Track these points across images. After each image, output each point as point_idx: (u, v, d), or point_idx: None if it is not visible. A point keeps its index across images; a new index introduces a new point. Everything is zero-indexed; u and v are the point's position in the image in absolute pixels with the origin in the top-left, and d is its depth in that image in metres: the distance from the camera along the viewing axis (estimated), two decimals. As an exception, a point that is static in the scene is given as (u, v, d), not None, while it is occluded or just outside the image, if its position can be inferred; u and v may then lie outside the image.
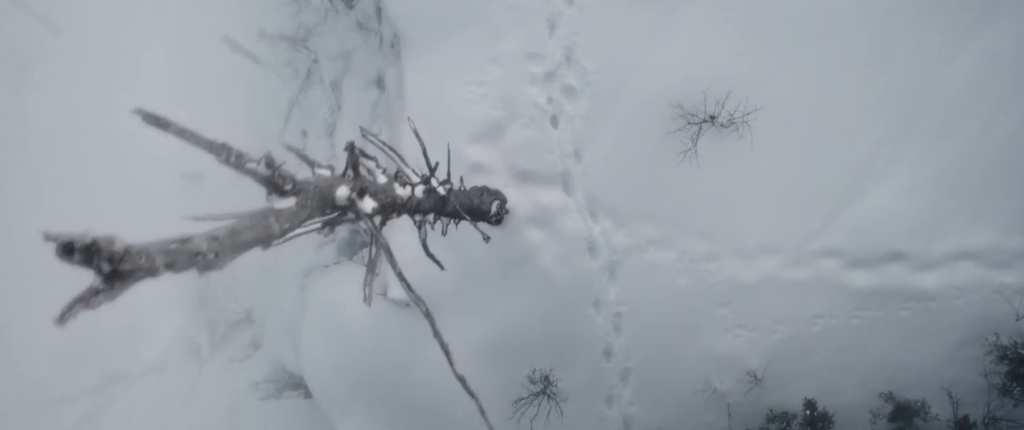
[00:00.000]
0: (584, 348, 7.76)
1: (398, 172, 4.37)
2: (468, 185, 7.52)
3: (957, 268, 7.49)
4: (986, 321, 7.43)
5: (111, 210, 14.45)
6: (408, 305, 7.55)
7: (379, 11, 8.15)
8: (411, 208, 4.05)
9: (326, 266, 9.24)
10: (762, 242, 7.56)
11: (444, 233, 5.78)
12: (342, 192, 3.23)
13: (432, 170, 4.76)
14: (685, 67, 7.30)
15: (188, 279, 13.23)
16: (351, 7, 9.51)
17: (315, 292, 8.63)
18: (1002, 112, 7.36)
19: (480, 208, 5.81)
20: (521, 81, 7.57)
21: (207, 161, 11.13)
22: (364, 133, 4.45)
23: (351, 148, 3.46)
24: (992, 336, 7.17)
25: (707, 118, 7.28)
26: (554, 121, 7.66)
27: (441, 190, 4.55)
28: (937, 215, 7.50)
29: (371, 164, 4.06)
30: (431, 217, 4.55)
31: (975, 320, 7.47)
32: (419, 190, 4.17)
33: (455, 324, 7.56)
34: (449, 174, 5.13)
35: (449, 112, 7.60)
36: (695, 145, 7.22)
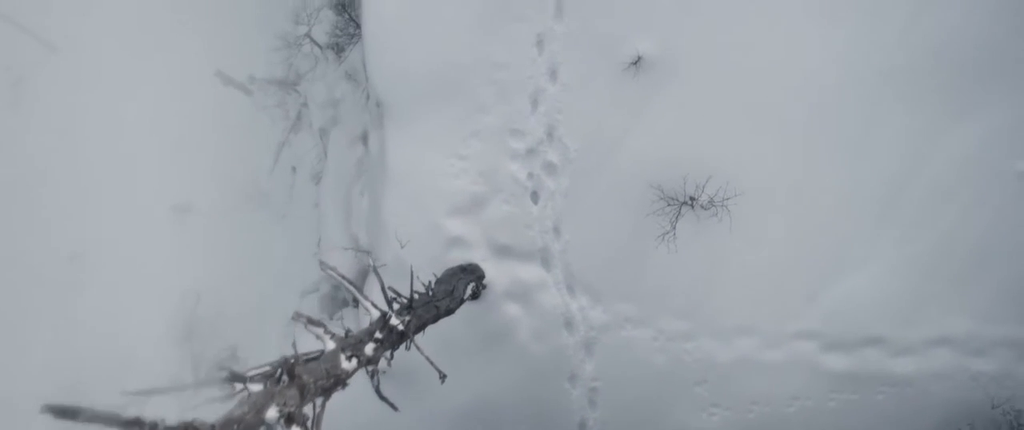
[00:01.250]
0: (560, 421, 7.77)
1: (348, 333, 4.36)
2: (446, 259, 7.53)
3: (934, 354, 7.49)
4: (962, 408, 7.44)
5: (102, 239, 14.46)
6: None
7: (366, 66, 8.14)
8: (362, 362, 4.04)
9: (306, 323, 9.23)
10: (739, 323, 7.56)
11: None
12: (272, 414, 3.20)
13: (391, 306, 4.72)
14: (666, 148, 7.29)
15: (175, 311, 13.16)
16: (341, 58, 9.51)
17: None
18: (982, 201, 7.35)
19: (451, 302, 5.81)
20: (502, 156, 7.57)
21: (198, 191, 11.18)
22: (323, 267, 4.45)
23: (284, 362, 3.41)
24: (966, 427, 7.17)
25: (687, 199, 7.28)
26: (534, 197, 7.65)
27: (400, 325, 4.54)
28: (915, 301, 7.50)
29: (319, 330, 4.05)
30: (385, 360, 4.54)
31: (951, 407, 7.48)
32: (370, 348, 4.16)
33: (431, 395, 7.57)
34: (412, 298, 5.10)
35: (430, 184, 7.60)
36: (674, 228, 7.21)
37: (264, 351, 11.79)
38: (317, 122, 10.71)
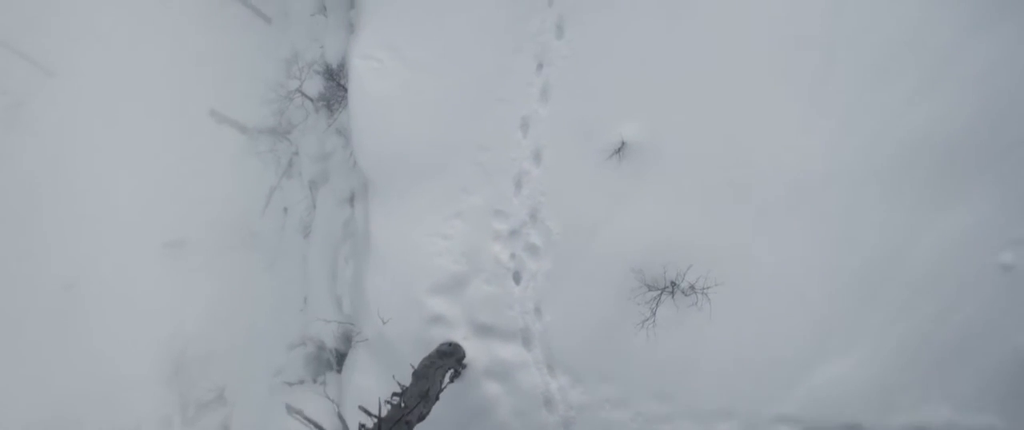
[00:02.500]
0: (538, 498, 7.80)
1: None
2: (428, 336, 7.56)
3: (912, 442, 7.51)
4: (939, 496, 7.46)
5: (94, 271, 14.49)
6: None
7: (352, 142, 8.17)
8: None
9: (290, 384, 9.30)
10: (718, 406, 7.58)
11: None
12: None
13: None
14: (648, 234, 7.32)
15: (164, 349, 13.21)
16: (332, 113, 9.54)
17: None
18: (964, 291, 7.36)
19: (425, 406, 5.83)
20: (485, 237, 7.60)
21: (190, 228, 11.25)
22: (289, 411, 4.48)
23: None
24: (943, 517, 7.19)
25: (668, 285, 7.30)
26: (517, 277, 7.68)
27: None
28: (894, 388, 7.52)
29: None
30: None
31: (928, 494, 7.50)
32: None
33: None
34: (379, 422, 5.09)
35: (412, 262, 7.63)
36: (654, 315, 7.23)
37: (251, 395, 11.86)
38: (307, 173, 10.75)
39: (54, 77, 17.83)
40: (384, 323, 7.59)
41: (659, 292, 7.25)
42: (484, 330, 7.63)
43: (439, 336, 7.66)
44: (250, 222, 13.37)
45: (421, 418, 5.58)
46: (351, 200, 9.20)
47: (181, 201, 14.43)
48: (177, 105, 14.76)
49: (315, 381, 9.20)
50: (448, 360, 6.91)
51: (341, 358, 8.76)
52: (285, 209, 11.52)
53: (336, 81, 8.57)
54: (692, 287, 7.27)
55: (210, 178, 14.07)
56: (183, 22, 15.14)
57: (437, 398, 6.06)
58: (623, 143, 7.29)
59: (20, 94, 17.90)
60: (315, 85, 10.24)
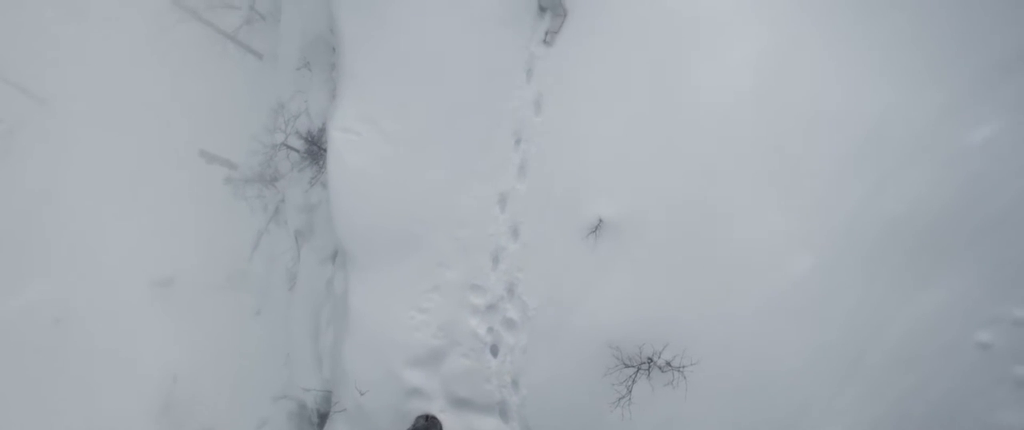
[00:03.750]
0: None
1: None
2: (405, 408, 7.58)
3: (889, 519, 7.50)
4: None
5: (83, 308, 14.54)
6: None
7: (331, 213, 8.18)
8: None
9: (277, 441, 9.31)
10: (694, 482, 7.57)
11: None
12: None
13: None
14: (624, 311, 7.32)
15: (151, 387, 13.23)
16: (318, 167, 9.55)
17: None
18: (940, 369, 7.35)
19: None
20: (463, 311, 7.61)
21: (179, 266, 11.27)
22: None
23: None
24: None
25: (644, 362, 7.31)
26: (494, 350, 7.70)
27: None
28: (871, 464, 7.50)
29: None
30: None
31: None
32: None
33: None
34: None
35: (390, 335, 7.65)
36: (630, 392, 7.24)
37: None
38: (293, 223, 10.76)
39: (47, 106, 17.87)
40: (362, 394, 7.61)
41: (635, 369, 7.26)
42: (461, 403, 7.64)
43: (416, 409, 7.68)
44: (238, 263, 13.42)
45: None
46: (334, 257, 9.21)
47: (170, 239, 14.48)
48: (167, 141, 14.82)
49: (298, 441, 9.22)
50: (422, 438, 6.93)
51: (323, 418, 8.78)
52: (272, 258, 11.52)
53: (317, 145, 8.57)
54: (669, 364, 7.28)
55: (199, 217, 14.12)
56: (175, 58, 15.19)
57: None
58: (600, 221, 7.29)
59: (12, 122, 17.96)
60: (300, 137, 10.23)
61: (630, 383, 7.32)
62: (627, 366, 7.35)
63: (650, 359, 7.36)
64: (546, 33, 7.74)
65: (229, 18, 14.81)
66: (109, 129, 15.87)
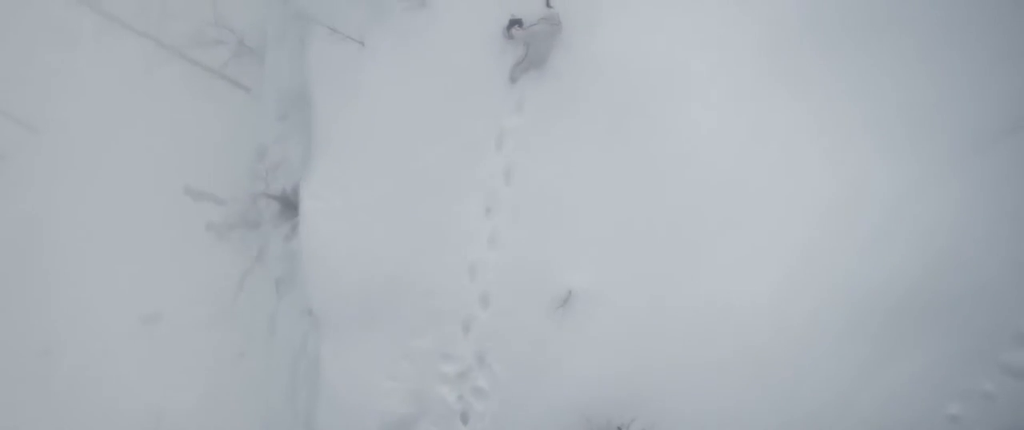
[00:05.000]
0: None
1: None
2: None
3: None
4: None
5: (70, 341, 14.58)
6: None
7: (303, 279, 8.23)
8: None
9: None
10: None
11: None
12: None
13: None
14: (594, 381, 7.37)
15: (137, 423, 13.24)
16: (296, 223, 9.56)
17: None
18: (905, 440, 7.36)
19: None
20: (432, 379, 7.65)
21: (166, 302, 11.34)
22: None
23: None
24: None
25: (614, 431, 7.34)
26: (464, 418, 7.73)
27: None
28: None
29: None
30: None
31: None
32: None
33: None
34: None
35: (361, 401, 7.70)
36: (600, 463, 7.26)
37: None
38: (273, 271, 10.79)
39: (38, 135, 17.93)
40: (334, 460, 7.64)
41: (605, 439, 7.28)
42: (432, 470, 7.67)
43: (388, 475, 7.72)
44: (224, 302, 13.43)
45: None
46: (310, 312, 9.22)
47: (157, 274, 14.50)
48: (153, 175, 14.83)
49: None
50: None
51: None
52: (255, 301, 11.56)
53: (293, 203, 8.62)
54: (639, 434, 7.30)
55: (185, 254, 14.12)
56: (161, 94, 15.21)
57: None
58: (570, 292, 7.32)
59: (2, 150, 18.01)
60: (282, 185, 10.27)
61: (600, 453, 7.34)
62: (597, 435, 7.38)
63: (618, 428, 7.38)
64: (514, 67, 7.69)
65: (218, 52, 14.82)
66: (98, 161, 15.92)
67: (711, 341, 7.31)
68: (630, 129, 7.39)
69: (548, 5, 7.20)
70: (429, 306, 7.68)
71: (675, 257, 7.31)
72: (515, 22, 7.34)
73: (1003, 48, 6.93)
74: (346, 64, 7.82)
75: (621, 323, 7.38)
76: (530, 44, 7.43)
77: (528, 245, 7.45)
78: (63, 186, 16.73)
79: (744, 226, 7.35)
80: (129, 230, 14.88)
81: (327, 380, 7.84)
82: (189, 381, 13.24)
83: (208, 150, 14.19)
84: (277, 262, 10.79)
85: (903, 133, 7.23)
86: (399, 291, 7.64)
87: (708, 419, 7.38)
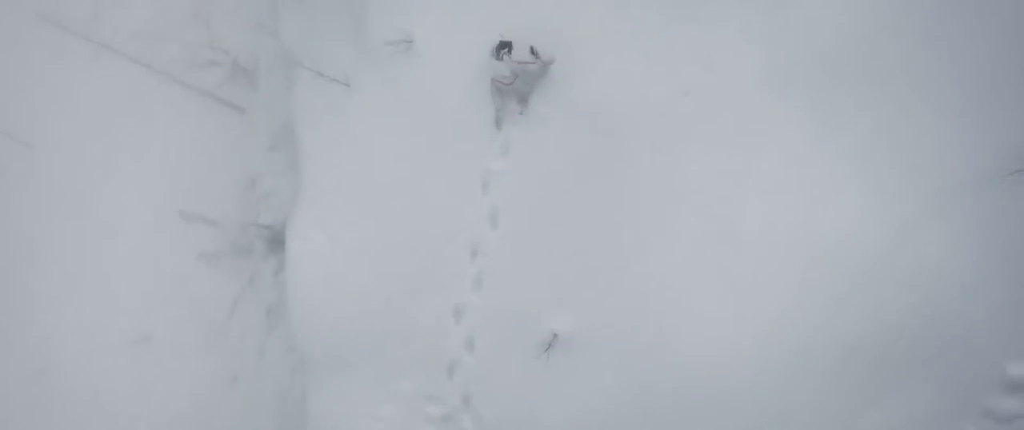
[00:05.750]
0: None
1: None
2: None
3: None
4: None
5: (63, 361, 14.63)
6: None
7: (290, 319, 8.26)
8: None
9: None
10: None
11: None
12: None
13: None
14: (580, 426, 7.35)
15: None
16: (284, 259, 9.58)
17: None
18: (897, 480, 7.37)
19: None
20: (418, 420, 7.67)
21: (159, 323, 11.38)
22: None
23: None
24: None
25: (599, 476, 7.34)
26: (450, 459, 7.74)
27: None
28: None
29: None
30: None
31: None
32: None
33: None
34: None
35: (347, 442, 7.71)
36: (583, 508, 7.28)
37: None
38: (264, 299, 10.83)
39: (33, 151, 17.95)
40: (320, 500, 7.66)
41: (589, 485, 7.29)
42: (418, 511, 7.69)
43: (374, 515, 7.74)
44: (217, 325, 13.46)
45: None
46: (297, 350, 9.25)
47: (150, 293, 14.53)
48: (146, 196, 14.85)
49: None
50: None
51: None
52: (247, 326, 11.60)
53: (282, 240, 8.64)
54: (625, 479, 7.31)
55: (178, 274, 14.15)
56: (158, 112, 15.20)
57: None
58: (555, 335, 7.33)
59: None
60: (272, 216, 10.29)
61: (584, 498, 7.35)
62: (582, 480, 7.39)
63: (605, 473, 7.39)
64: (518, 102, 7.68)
65: (212, 73, 14.86)
66: (93, 180, 15.94)
67: (695, 385, 7.32)
68: (616, 173, 7.39)
69: (533, 52, 7.20)
70: (414, 348, 7.69)
71: (660, 301, 7.31)
72: (505, 45, 7.29)
73: (993, 92, 6.92)
74: (332, 105, 7.84)
75: (607, 367, 7.39)
76: (519, 74, 7.39)
77: (514, 288, 7.46)
78: (57, 203, 16.76)
79: (730, 270, 7.35)
80: (121, 250, 14.91)
81: (314, 417, 7.86)
82: (183, 404, 13.27)
83: (201, 171, 14.20)
84: (268, 290, 10.84)
85: (890, 177, 7.22)
86: (384, 333, 7.66)
87: (694, 462, 7.38)
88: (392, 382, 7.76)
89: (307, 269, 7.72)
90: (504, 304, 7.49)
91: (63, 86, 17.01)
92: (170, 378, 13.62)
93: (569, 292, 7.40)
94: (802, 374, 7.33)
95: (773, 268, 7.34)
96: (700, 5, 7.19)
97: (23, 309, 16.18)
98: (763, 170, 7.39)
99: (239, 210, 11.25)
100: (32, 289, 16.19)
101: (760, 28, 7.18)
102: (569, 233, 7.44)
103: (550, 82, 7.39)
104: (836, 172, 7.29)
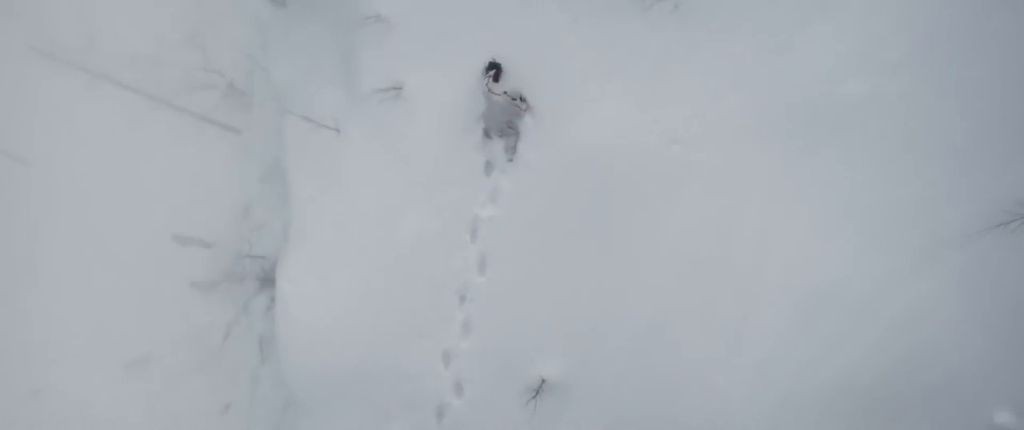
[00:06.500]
0: None
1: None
2: None
3: None
4: None
5: (60, 383, 14.65)
6: None
7: (279, 361, 8.28)
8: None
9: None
10: None
11: None
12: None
13: None
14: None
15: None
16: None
17: None
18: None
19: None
20: (407, 463, 7.70)
21: (154, 341, 11.41)
22: None
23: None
24: None
25: (585, 521, 7.38)
26: (438, 501, 7.78)
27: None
28: None
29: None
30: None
31: None
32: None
33: None
34: None
35: (336, 484, 7.74)
36: None
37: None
38: (257, 329, 10.84)
39: (30, 168, 17.96)
40: None
41: (576, 531, 7.32)
42: None
43: None
44: (212, 349, 13.48)
45: None
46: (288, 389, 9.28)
47: (145, 316, 14.54)
48: (142, 219, 14.86)
49: None
50: None
51: None
52: (240, 353, 11.63)
53: (272, 279, 8.67)
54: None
55: (173, 296, 14.17)
56: (154, 135, 15.22)
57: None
58: (543, 381, 7.36)
59: (-6, 182, 18.00)
60: (264, 248, 10.32)
61: None
62: (569, 525, 7.42)
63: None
64: (505, 151, 7.75)
65: (207, 96, 14.86)
66: (89, 200, 15.95)
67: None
68: (604, 219, 7.42)
69: (522, 99, 7.23)
70: (403, 392, 7.72)
71: (649, 346, 7.34)
72: (494, 66, 7.30)
73: (979, 146, 6.94)
74: (322, 150, 7.87)
75: (595, 412, 7.43)
76: (509, 105, 7.40)
77: (502, 334, 7.50)
78: (53, 224, 16.79)
79: (718, 315, 7.37)
80: (117, 271, 14.92)
81: (303, 462, 7.89)
82: (176, 428, 13.29)
83: (196, 195, 14.20)
84: (260, 320, 10.85)
85: (877, 226, 7.24)
86: (373, 376, 7.69)
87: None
88: (382, 425, 7.80)
89: (297, 313, 7.76)
90: (492, 349, 7.53)
91: (59, 105, 17.03)
92: (164, 400, 13.64)
93: (557, 338, 7.42)
94: (791, 418, 7.36)
95: (761, 314, 7.36)
96: (688, 55, 7.21)
97: (18, 329, 16.20)
98: (751, 217, 7.41)
99: (233, 236, 11.28)
100: (27, 309, 16.22)
101: (748, 78, 7.20)
102: (557, 279, 7.47)
103: (539, 130, 7.41)
104: (824, 220, 7.31)
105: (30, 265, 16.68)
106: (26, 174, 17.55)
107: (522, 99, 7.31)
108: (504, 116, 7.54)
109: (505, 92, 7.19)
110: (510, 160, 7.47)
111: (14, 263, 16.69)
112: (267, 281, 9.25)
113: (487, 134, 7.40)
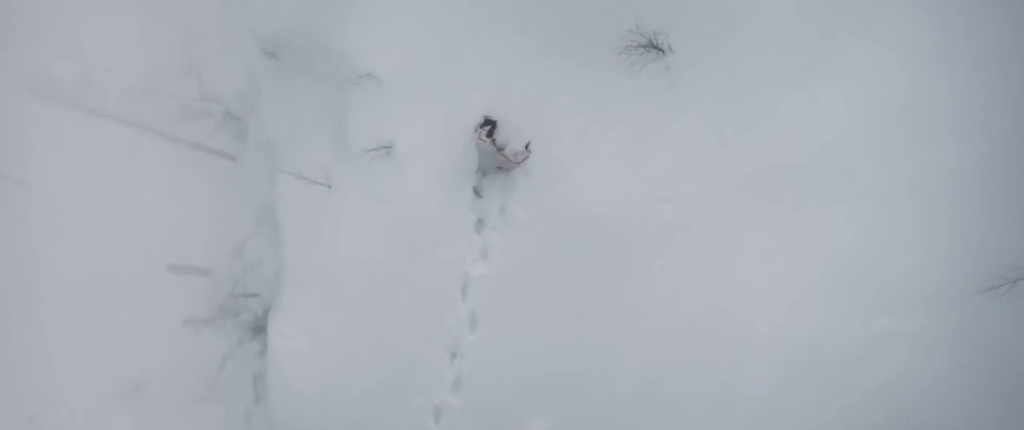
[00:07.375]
0: None
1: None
2: None
3: None
4: None
5: (56, 409, 14.69)
6: None
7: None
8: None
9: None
10: None
11: None
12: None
13: None
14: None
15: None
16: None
17: None
18: None
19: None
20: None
21: (150, 369, 11.44)
22: None
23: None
24: None
25: None
26: None
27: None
28: None
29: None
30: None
31: None
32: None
33: None
34: None
35: None
36: None
37: None
38: (251, 366, 10.87)
39: (27, 190, 17.95)
40: None
41: None
42: None
43: None
44: (208, 379, 13.51)
45: None
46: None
47: (142, 342, 14.56)
48: (138, 247, 14.87)
49: None
50: None
51: None
52: (235, 388, 11.65)
53: (263, 328, 8.70)
54: None
55: (171, 322, 14.19)
56: (151, 164, 15.20)
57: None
58: (533, 439, 7.37)
59: (-9, 205, 17.99)
60: (259, 285, 10.33)
61: None
62: None
63: None
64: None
65: (203, 124, 14.84)
66: (86, 225, 15.95)
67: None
68: (595, 277, 7.44)
69: (527, 148, 7.23)
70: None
71: (639, 404, 7.36)
72: (489, 122, 7.31)
73: (968, 211, 6.94)
74: (314, 205, 7.88)
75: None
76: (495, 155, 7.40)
77: (493, 391, 7.52)
78: (50, 247, 16.78)
79: (707, 374, 7.39)
80: (112, 297, 14.93)
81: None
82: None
83: (192, 222, 14.22)
84: (254, 358, 10.88)
85: (866, 288, 7.25)
86: (365, 432, 7.72)
87: None
88: (373, 477, 7.82)
89: (288, 368, 7.78)
90: (483, 406, 7.55)
91: (54, 146, 16.93)
92: (167, 417, 13.66)
93: (547, 395, 7.45)
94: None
95: (752, 372, 7.38)
96: (678, 115, 7.22)
97: (15, 355, 16.21)
98: (741, 277, 7.42)
99: (228, 268, 11.28)
100: (25, 335, 16.23)
101: (738, 138, 7.20)
102: (548, 337, 7.49)
103: (530, 188, 7.42)
104: (813, 281, 7.31)
105: (27, 291, 16.69)
106: (25, 198, 17.55)
107: (526, 148, 7.32)
108: (494, 164, 7.55)
109: (494, 142, 7.18)
110: (500, 216, 7.47)
111: (11, 290, 16.69)
112: (259, 329, 9.27)
113: (477, 193, 7.41)
